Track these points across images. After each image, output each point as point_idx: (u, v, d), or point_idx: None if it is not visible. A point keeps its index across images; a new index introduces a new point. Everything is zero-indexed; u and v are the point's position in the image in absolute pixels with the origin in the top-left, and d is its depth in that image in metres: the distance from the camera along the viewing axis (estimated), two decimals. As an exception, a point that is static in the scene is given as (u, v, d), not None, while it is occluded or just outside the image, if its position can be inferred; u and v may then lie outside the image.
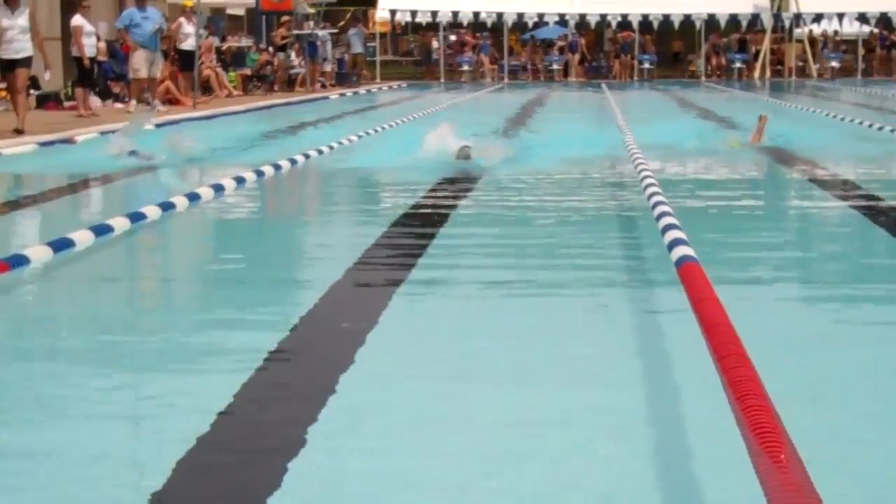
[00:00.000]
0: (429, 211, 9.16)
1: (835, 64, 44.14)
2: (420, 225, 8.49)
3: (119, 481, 3.52)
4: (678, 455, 3.75)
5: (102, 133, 17.07)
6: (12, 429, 3.99)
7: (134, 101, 23.01)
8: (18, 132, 16.51)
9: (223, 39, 33.28)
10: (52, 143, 15.69)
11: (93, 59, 22.25)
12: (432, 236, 7.89)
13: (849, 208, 9.32)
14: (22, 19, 17.07)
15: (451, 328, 5.43)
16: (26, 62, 17.20)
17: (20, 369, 4.81)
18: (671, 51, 46.88)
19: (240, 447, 3.78)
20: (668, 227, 6.86)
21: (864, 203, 9.41)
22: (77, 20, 21.84)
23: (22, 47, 17.06)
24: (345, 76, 38.22)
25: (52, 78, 20.40)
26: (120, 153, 12.59)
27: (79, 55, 21.82)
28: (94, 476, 3.52)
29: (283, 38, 33.07)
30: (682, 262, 5.74)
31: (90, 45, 22.00)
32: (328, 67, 36.54)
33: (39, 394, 4.42)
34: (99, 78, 24.56)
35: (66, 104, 23.77)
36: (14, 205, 10.03)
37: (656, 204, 8.03)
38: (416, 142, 12.84)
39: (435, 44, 45.04)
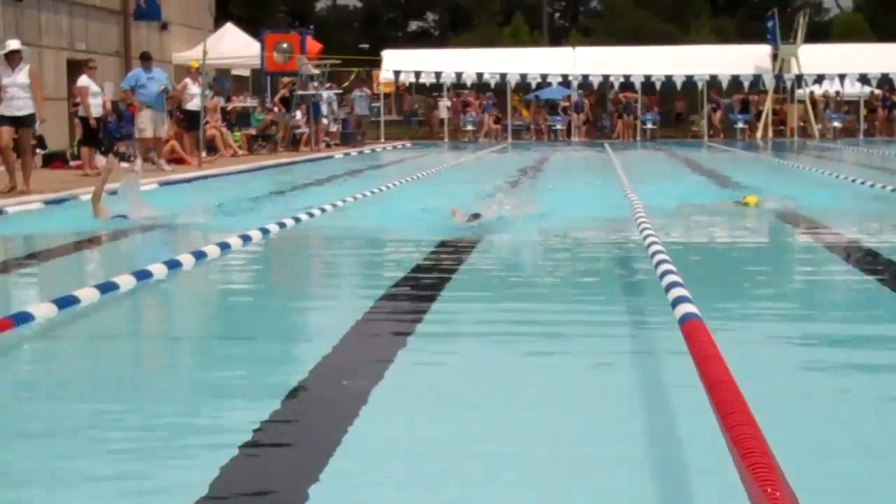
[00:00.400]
0: (431, 273, 9.14)
1: (837, 124, 44.27)
2: (421, 287, 8.48)
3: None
4: None
5: (109, 193, 17.15)
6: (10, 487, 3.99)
7: (140, 161, 23.08)
8: (23, 192, 16.55)
9: (228, 100, 33.44)
10: (57, 201, 15.73)
11: (99, 119, 22.35)
12: (433, 299, 7.89)
13: (859, 271, 9.29)
14: (21, 76, 17.08)
15: (450, 390, 5.42)
16: (30, 120, 17.20)
17: (21, 427, 4.80)
18: (674, 111, 47.10)
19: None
20: (672, 284, 6.86)
21: (874, 266, 9.35)
22: (83, 80, 21.97)
23: (23, 104, 17.04)
24: (349, 136, 38.37)
25: (56, 136, 20.46)
26: (105, 218, 12.49)
27: (85, 115, 21.93)
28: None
29: (283, 98, 33.24)
30: (685, 320, 5.73)
31: (96, 105, 22.11)
32: (333, 127, 36.70)
33: (40, 454, 4.41)
34: (105, 137, 24.66)
35: (72, 163, 23.86)
36: (19, 263, 10.04)
37: (660, 262, 8.03)
38: (418, 202, 12.83)
39: (444, 103, 45.16)
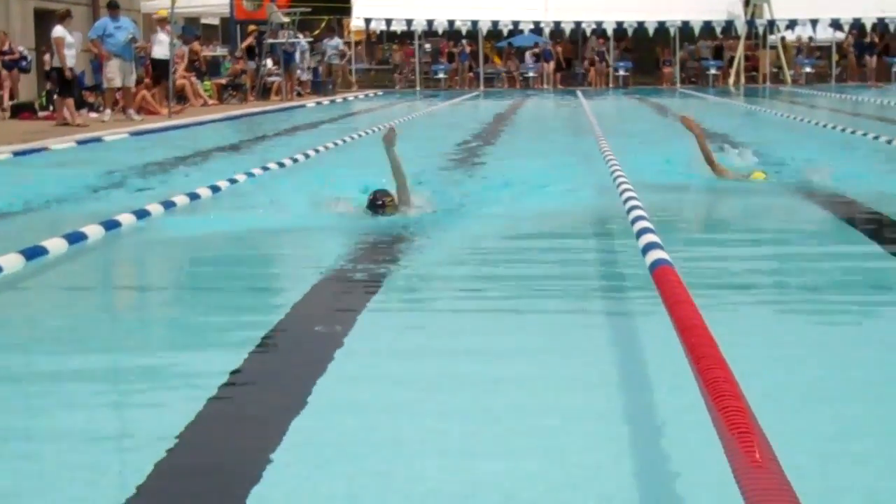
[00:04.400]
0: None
1: (809, 70, 44.26)
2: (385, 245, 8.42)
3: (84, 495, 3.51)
4: (655, 456, 3.77)
5: (79, 142, 17.04)
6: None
7: (109, 111, 22.94)
8: None
9: (195, 52, 32.82)
10: (25, 152, 15.59)
11: (71, 69, 22.02)
12: (404, 249, 7.84)
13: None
14: None
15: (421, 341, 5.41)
16: None
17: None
18: (646, 58, 46.88)
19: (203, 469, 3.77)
20: (643, 230, 6.85)
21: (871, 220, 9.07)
22: (59, 31, 21.66)
23: None
24: (320, 85, 38.14)
25: (24, 87, 19.87)
26: None
27: (60, 66, 21.66)
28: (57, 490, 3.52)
29: (249, 47, 32.94)
30: (656, 266, 5.72)
31: (71, 56, 21.82)
32: (305, 76, 36.45)
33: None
34: (74, 88, 24.40)
35: (41, 114, 23.67)
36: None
37: (632, 208, 8.01)
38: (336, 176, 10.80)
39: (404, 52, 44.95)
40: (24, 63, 23.86)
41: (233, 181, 11.15)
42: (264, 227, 8.75)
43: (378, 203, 8.60)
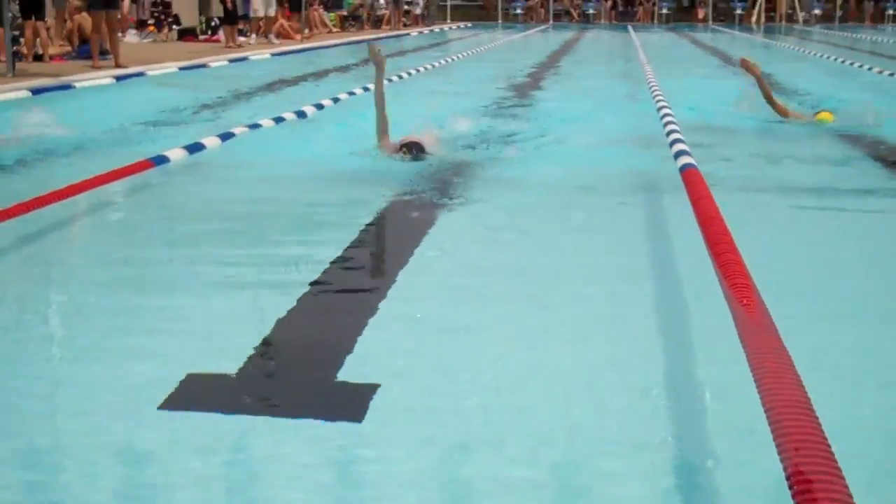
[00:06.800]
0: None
1: (817, 11, 42.99)
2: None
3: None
4: (674, 349, 3.62)
5: (230, 60, 17.06)
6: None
7: (254, 35, 22.89)
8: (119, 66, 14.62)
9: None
10: (190, 67, 15.63)
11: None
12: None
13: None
14: None
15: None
16: (115, 2, 15.21)
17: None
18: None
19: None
20: (675, 141, 6.71)
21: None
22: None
23: None
24: (420, 16, 37.80)
25: (187, 14, 19.55)
26: None
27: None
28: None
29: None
30: (685, 169, 5.61)
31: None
32: (419, 10, 36.49)
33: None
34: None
35: (201, 37, 23.68)
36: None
37: (664, 115, 7.74)
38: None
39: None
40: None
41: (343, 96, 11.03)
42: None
43: (417, 148, 6.74)
